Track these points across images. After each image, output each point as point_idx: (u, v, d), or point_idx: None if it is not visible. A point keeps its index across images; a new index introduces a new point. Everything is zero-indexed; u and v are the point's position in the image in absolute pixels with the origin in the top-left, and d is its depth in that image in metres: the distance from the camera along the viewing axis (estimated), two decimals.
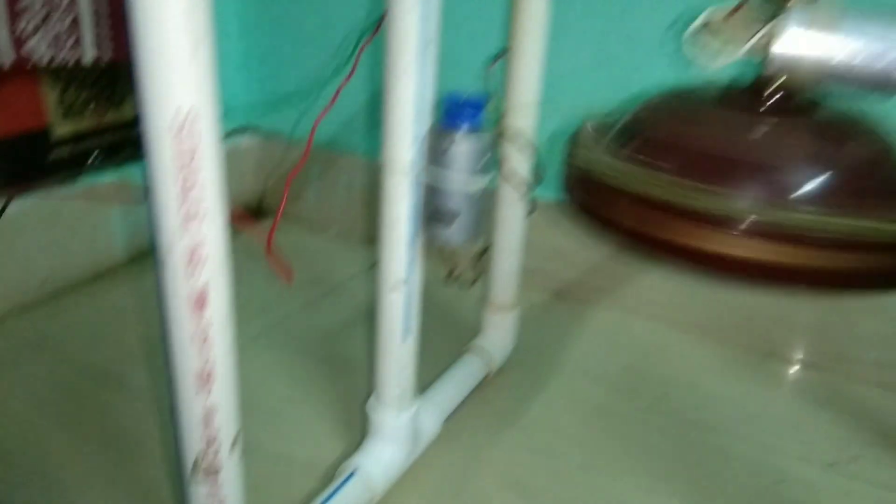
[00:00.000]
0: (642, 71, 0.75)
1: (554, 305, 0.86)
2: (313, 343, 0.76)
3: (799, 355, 0.75)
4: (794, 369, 0.75)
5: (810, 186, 0.33)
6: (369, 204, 0.98)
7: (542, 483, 0.58)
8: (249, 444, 0.39)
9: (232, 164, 1.05)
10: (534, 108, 0.62)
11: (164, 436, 0.60)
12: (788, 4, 0.31)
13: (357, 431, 0.62)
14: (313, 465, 0.59)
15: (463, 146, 0.45)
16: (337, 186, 1.02)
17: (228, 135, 1.05)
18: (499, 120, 0.61)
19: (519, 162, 0.61)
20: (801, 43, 0.30)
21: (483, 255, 0.69)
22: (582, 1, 0.76)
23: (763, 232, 0.32)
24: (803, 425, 0.67)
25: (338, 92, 0.47)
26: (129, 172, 0.88)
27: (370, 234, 0.98)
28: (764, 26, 0.31)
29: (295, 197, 1.06)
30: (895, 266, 0.33)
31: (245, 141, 1.06)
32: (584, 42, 0.77)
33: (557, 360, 0.75)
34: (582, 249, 0.84)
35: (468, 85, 0.76)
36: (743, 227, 0.32)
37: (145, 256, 0.91)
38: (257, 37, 0.99)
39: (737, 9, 0.33)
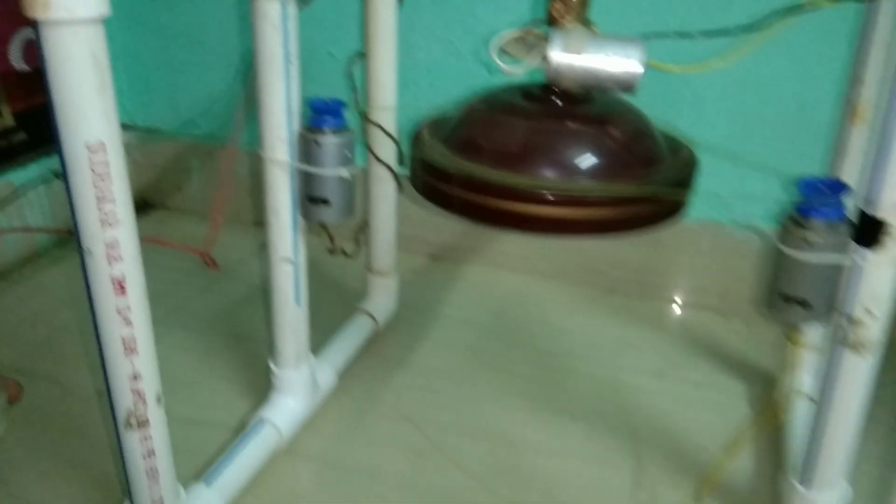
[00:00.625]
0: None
1: (430, 267, 0.97)
2: (215, 321, 0.83)
3: (631, 289, 0.90)
4: (627, 301, 0.90)
5: (587, 161, 0.45)
6: (251, 190, 1.05)
7: (427, 413, 0.70)
8: (165, 412, 0.48)
9: None
10: (392, 100, 0.72)
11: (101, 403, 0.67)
12: (552, 32, 0.42)
13: (262, 392, 0.71)
14: (226, 424, 0.67)
15: (329, 142, 0.55)
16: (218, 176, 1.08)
17: None
18: (363, 112, 0.71)
19: (384, 148, 0.71)
20: (563, 58, 0.42)
21: (363, 228, 0.79)
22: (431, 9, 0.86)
23: (557, 199, 0.44)
24: (636, 345, 0.82)
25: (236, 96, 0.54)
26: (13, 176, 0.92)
27: (255, 218, 1.05)
28: (539, 48, 0.43)
29: (177, 189, 1.11)
30: (650, 213, 0.46)
31: (123, 138, 1.09)
32: (433, 39, 0.87)
33: (435, 313, 0.87)
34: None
35: (340, 83, 0.85)
36: (542, 196, 0.44)
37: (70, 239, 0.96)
38: (128, 38, 1.03)
39: (522, 35, 0.44)
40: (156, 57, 1.04)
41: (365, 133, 0.71)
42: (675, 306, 0.89)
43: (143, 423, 0.45)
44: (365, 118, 0.70)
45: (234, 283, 0.92)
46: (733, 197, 0.83)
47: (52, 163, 0.97)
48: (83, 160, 0.37)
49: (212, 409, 0.70)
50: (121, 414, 0.45)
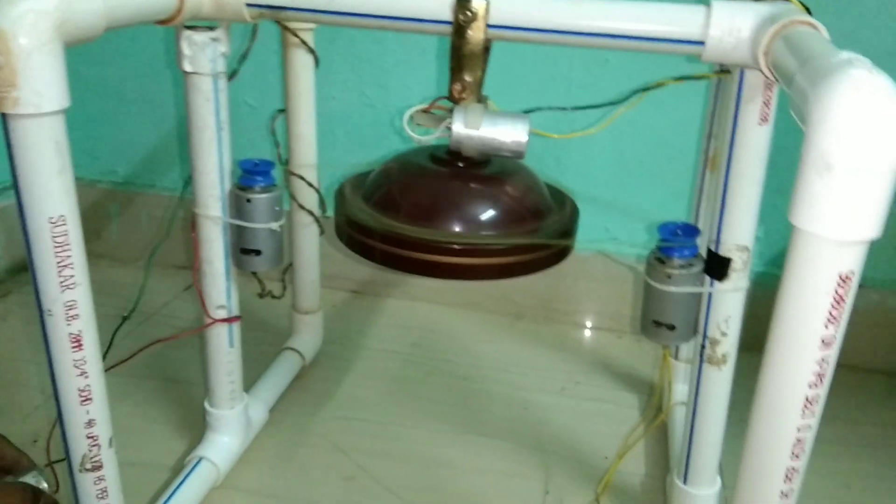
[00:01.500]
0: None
1: (352, 301, 1.03)
2: (144, 366, 0.86)
3: (537, 315, 0.99)
4: (534, 326, 0.99)
5: (486, 216, 0.53)
6: (170, 234, 1.07)
7: (354, 441, 0.76)
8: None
9: None
10: (313, 151, 0.78)
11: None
12: (454, 109, 0.50)
13: (197, 431, 0.75)
14: (164, 465, 0.71)
15: (260, 198, 0.60)
16: (140, 220, 1.10)
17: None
18: (286, 165, 0.77)
19: (306, 196, 0.77)
20: (463, 131, 0.50)
21: (287, 271, 0.84)
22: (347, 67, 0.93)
23: (462, 249, 0.51)
24: (542, 366, 0.91)
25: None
26: None
27: (176, 261, 1.07)
28: (444, 119, 0.51)
29: (96, 235, 1.12)
30: (541, 258, 0.54)
31: None
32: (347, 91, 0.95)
33: (358, 345, 0.93)
34: None
35: (258, 131, 0.91)
36: (450, 247, 0.51)
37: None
38: None
39: (428, 109, 0.52)
40: (73, 106, 1.06)
41: (288, 182, 0.77)
42: (575, 329, 0.98)
43: (97, 467, 0.49)
44: (288, 171, 0.76)
45: (161, 325, 0.95)
46: (619, 232, 0.94)
47: None
48: (45, 232, 0.42)
49: (150, 451, 0.73)
50: (76, 459, 0.49)
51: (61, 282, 0.44)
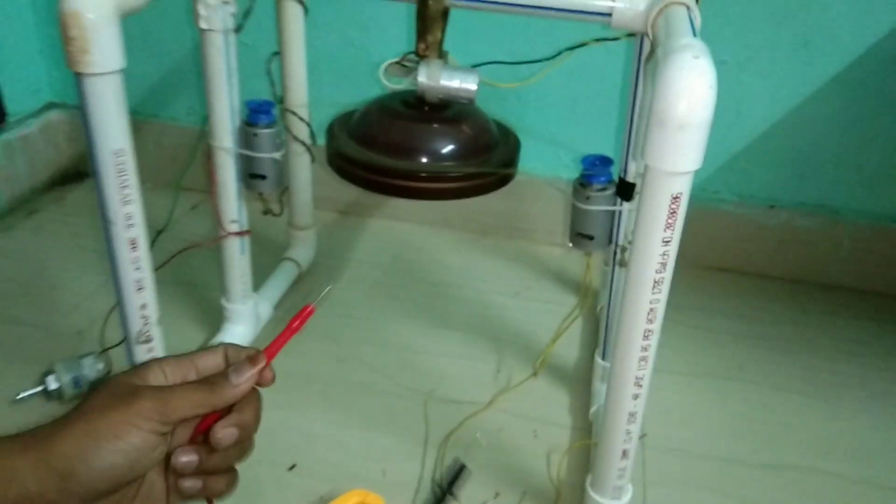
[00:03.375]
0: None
1: (341, 221, 1.18)
2: (165, 272, 1.01)
3: (499, 232, 1.15)
4: (496, 241, 1.15)
5: (446, 149, 0.67)
6: (176, 159, 1.20)
7: (344, 332, 0.92)
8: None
9: (47, 136, 1.22)
10: (304, 88, 0.91)
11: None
12: (420, 63, 0.64)
13: (214, 326, 0.91)
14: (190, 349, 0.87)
15: (264, 133, 0.74)
16: (146, 147, 1.23)
17: (40, 111, 1.21)
18: (282, 102, 0.90)
19: (300, 129, 0.91)
20: (426, 81, 0.64)
21: (284, 193, 0.99)
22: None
23: (428, 176, 0.66)
24: (501, 275, 1.07)
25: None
26: None
27: (182, 184, 1.20)
28: (412, 72, 0.64)
29: None
30: (490, 182, 0.69)
31: (54, 115, 1.22)
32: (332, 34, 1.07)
33: (346, 258, 1.09)
34: None
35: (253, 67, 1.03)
36: (417, 174, 0.66)
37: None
38: (50, 23, 1.15)
39: (399, 62, 0.65)
40: None
41: (284, 118, 0.90)
42: (531, 244, 1.14)
43: (148, 339, 0.65)
44: (284, 109, 0.89)
45: (173, 240, 1.10)
46: (570, 160, 1.08)
47: None
48: (110, 161, 0.56)
49: (176, 341, 0.89)
50: (132, 334, 0.65)
51: (121, 199, 0.58)
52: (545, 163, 1.09)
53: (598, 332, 0.92)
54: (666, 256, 0.50)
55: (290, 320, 0.42)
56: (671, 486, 0.74)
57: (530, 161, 1.10)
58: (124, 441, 0.35)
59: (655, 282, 0.51)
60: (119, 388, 0.37)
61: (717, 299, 1.03)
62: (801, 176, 1.04)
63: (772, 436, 0.81)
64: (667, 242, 0.50)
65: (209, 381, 0.40)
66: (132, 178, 0.58)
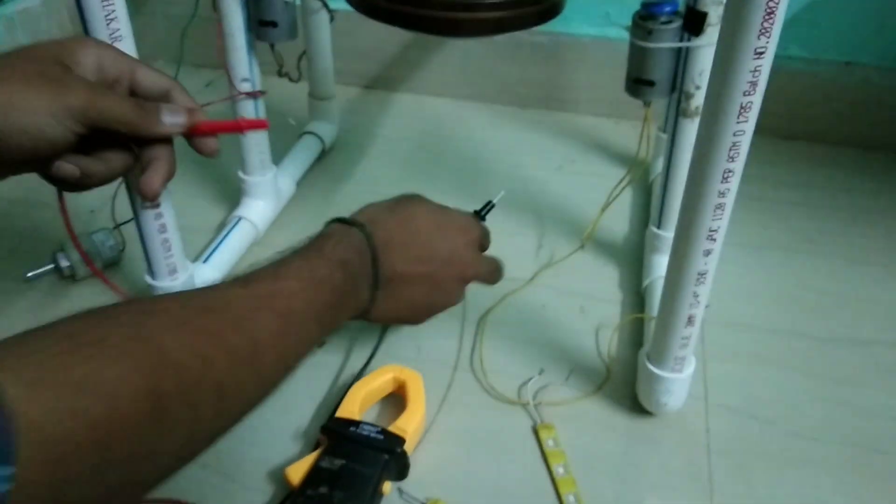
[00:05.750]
0: None
1: (365, 96, 1.09)
2: (179, 148, 0.94)
3: (539, 104, 1.05)
4: (536, 114, 1.05)
5: None
6: (188, 32, 1.11)
7: None
8: None
9: (49, 9, 1.13)
10: None
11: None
12: None
13: (232, 201, 0.84)
14: (207, 227, 0.81)
15: None
16: (155, 21, 1.14)
17: None
18: None
19: None
20: None
21: (301, 58, 0.90)
22: None
23: (458, 3, 0.56)
24: (542, 149, 0.98)
25: None
26: None
27: (194, 60, 1.12)
28: None
29: None
30: (534, 13, 0.59)
31: None
32: None
33: (373, 134, 1.00)
34: (380, 48, 1.06)
35: None
36: (452, 3, 0.56)
37: None
38: None
39: None
40: None
41: None
42: (574, 115, 1.05)
43: (156, 205, 0.59)
44: None
45: None
46: (620, 17, 0.97)
47: None
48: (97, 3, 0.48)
49: (193, 218, 0.83)
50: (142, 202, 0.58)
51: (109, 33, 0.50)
52: (590, 20, 0.98)
53: (651, 205, 0.83)
54: (757, 74, 0.41)
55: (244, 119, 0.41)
56: (733, 362, 0.67)
57: (573, 18, 0.98)
58: (40, 130, 0.36)
59: (742, 107, 0.42)
60: (47, 66, 0.36)
61: (783, 169, 0.93)
62: (881, 28, 0.91)
63: (846, 309, 0.73)
64: (760, 54, 0.40)
65: (141, 104, 0.41)
66: (119, 9, 0.50)
